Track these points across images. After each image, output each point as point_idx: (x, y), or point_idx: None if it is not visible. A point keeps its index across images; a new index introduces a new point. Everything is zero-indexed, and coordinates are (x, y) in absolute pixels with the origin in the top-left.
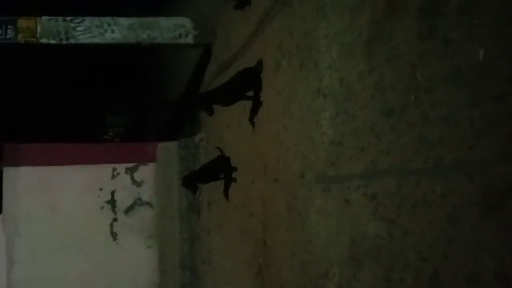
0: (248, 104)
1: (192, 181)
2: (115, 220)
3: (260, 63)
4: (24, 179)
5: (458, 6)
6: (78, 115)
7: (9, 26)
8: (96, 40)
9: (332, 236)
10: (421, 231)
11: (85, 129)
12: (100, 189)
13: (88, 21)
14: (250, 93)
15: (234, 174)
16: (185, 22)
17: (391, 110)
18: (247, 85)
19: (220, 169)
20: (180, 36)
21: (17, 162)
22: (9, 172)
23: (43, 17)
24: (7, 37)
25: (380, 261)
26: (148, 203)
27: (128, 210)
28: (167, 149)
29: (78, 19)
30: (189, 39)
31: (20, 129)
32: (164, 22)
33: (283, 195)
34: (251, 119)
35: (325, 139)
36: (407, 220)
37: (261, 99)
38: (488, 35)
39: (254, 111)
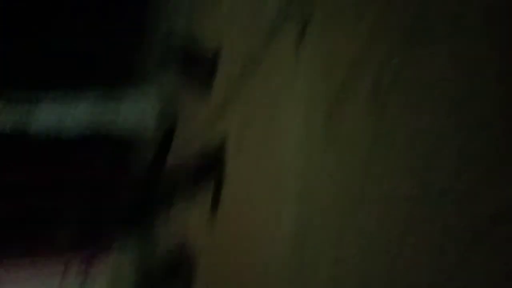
0: (211, 187)
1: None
2: None
3: (223, 141)
4: None
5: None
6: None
7: None
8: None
9: None
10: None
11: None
12: None
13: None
14: (214, 174)
15: (195, 265)
16: (148, 103)
17: (353, 184)
18: (210, 165)
19: (180, 263)
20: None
21: None
22: None
23: None
24: None
25: None
26: None
27: None
28: (119, 258)
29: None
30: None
31: None
32: (126, 106)
33: (252, 284)
34: (213, 203)
35: (289, 226)
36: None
37: (224, 181)
38: None
39: (216, 195)
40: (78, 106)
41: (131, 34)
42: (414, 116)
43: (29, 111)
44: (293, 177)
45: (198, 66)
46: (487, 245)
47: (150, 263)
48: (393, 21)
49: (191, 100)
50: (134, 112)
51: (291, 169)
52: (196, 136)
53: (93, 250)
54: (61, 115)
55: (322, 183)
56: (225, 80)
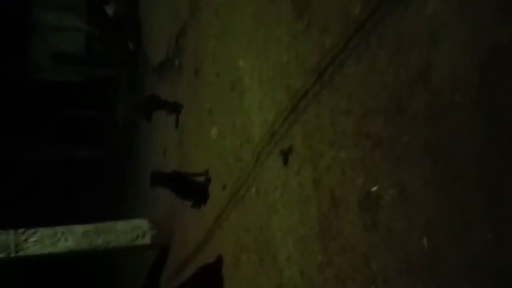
0: None
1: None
2: None
3: (219, 258)
4: None
5: (392, 199)
6: None
7: None
8: (47, 251)
9: None
10: None
11: None
12: None
13: (41, 231)
14: None
15: None
16: (142, 223)
17: None
18: (208, 283)
19: None
20: (137, 237)
21: None
22: None
23: None
24: None
25: None
26: None
27: None
28: None
29: (31, 231)
30: (146, 240)
31: None
32: (121, 225)
33: None
34: None
35: None
36: None
37: None
38: (427, 224)
39: None
40: (72, 228)
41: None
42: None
43: (24, 235)
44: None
45: (192, 191)
46: None
47: None
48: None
49: (186, 218)
50: (129, 229)
51: (289, 286)
52: (193, 252)
53: None
54: (55, 237)
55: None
56: (219, 197)
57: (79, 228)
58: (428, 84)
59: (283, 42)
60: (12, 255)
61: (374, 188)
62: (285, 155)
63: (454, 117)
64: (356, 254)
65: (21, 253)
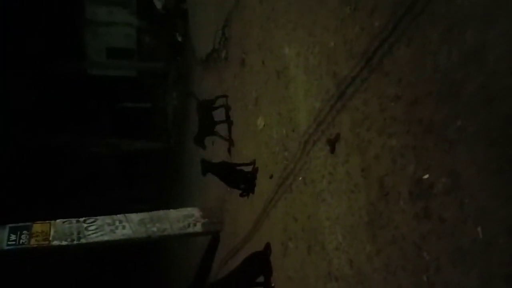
0: None
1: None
2: None
3: (268, 246)
4: None
5: (444, 187)
6: None
7: (24, 232)
8: (106, 238)
9: None
10: None
11: None
12: None
13: (101, 220)
14: (261, 279)
15: None
16: (194, 211)
17: None
18: (256, 269)
19: None
20: (189, 225)
21: None
22: None
23: (58, 220)
24: (20, 242)
25: None
26: None
27: None
28: None
29: (91, 219)
30: (198, 228)
31: None
32: (174, 214)
33: None
34: None
35: None
36: None
37: (273, 285)
38: (481, 213)
39: None
40: (129, 216)
41: None
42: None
43: (85, 223)
44: (342, 284)
45: (240, 181)
46: None
47: None
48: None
49: (235, 206)
50: (181, 217)
51: (339, 276)
52: (242, 241)
53: None
54: (113, 225)
55: (372, 285)
56: (266, 186)
57: (135, 217)
58: (484, 65)
59: (330, 27)
60: (75, 242)
61: (426, 176)
62: (332, 144)
63: (511, 99)
64: (407, 244)
65: (82, 240)
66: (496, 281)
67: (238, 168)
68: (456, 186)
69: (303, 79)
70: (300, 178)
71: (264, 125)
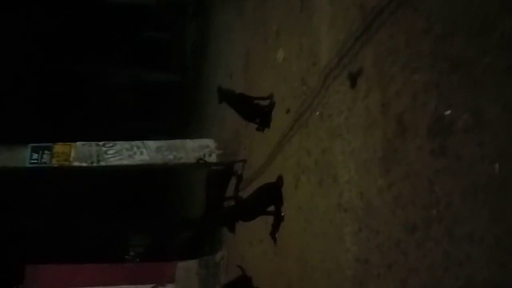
0: (270, 219)
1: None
2: None
3: (280, 178)
4: None
5: (465, 124)
6: (101, 236)
7: (46, 152)
8: (125, 162)
9: None
10: None
11: (107, 249)
12: None
13: (119, 144)
14: (271, 208)
15: None
16: (209, 143)
17: (415, 226)
18: (268, 200)
19: None
20: (204, 156)
21: (38, 284)
22: None
23: (78, 142)
24: (42, 161)
25: None
26: None
27: None
28: (187, 269)
29: (110, 143)
30: (213, 158)
31: (43, 250)
32: (190, 143)
33: None
34: (272, 234)
35: (349, 256)
36: None
37: (283, 214)
38: (500, 151)
39: (276, 226)
40: (147, 143)
41: None
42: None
43: (104, 147)
44: (351, 214)
45: (256, 114)
46: None
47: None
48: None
49: (250, 139)
50: (197, 147)
51: (348, 207)
52: (255, 173)
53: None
54: (131, 150)
55: (381, 218)
56: (282, 120)
57: (152, 144)
58: None
59: None
60: (95, 164)
61: (447, 113)
62: (354, 78)
63: None
64: (420, 179)
65: (102, 163)
66: (507, 218)
67: (255, 101)
68: (477, 124)
69: (328, 11)
70: (318, 113)
71: (283, 59)
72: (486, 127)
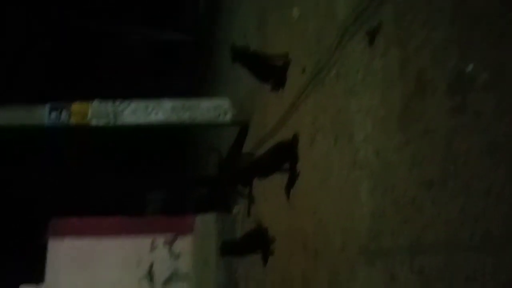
0: (285, 177)
1: (230, 249)
2: None
3: (295, 137)
4: (67, 252)
5: (486, 81)
6: (121, 192)
7: (64, 110)
8: (142, 121)
9: None
10: None
11: (127, 204)
12: (139, 261)
13: (135, 103)
14: (287, 166)
15: (271, 247)
16: (224, 102)
17: (431, 182)
18: (283, 157)
19: (258, 242)
20: (219, 115)
21: (62, 234)
22: (54, 245)
23: (95, 101)
24: (61, 120)
25: None
26: (186, 276)
27: (166, 283)
28: (205, 222)
29: (126, 102)
30: (227, 118)
31: (67, 203)
32: (204, 103)
33: (325, 269)
34: (287, 191)
35: (365, 211)
36: None
37: (298, 171)
38: None
39: (290, 183)
40: (162, 102)
41: None
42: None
43: (120, 106)
44: (366, 172)
45: (270, 74)
46: None
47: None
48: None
49: (265, 99)
50: (212, 107)
51: (364, 165)
52: (270, 131)
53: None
54: (147, 110)
55: (397, 174)
56: (297, 80)
57: (168, 103)
58: None
59: None
60: (112, 123)
61: (468, 70)
62: (372, 35)
63: None
64: (438, 136)
65: (118, 122)
66: None
67: (269, 61)
68: (498, 81)
69: None
70: (334, 72)
71: (299, 16)
72: (507, 85)
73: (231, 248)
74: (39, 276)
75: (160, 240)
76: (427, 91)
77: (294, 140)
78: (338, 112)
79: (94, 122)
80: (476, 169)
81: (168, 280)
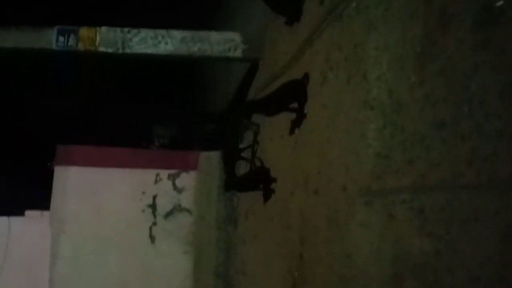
0: (292, 116)
1: (232, 185)
2: (154, 224)
3: (306, 75)
4: (73, 179)
5: None
6: (128, 123)
7: (71, 35)
8: (150, 51)
9: (373, 251)
10: (471, 249)
11: (133, 137)
12: (143, 193)
13: (144, 32)
14: (295, 105)
15: (273, 186)
16: (235, 36)
17: (443, 122)
18: (292, 96)
19: (259, 180)
20: (229, 50)
21: (68, 162)
22: (60, 172)
23: (103, 28)
24: (68, 45)
25: (425, 279)
26: (187, 210)
27: (168, 215)
28: (209, 159)
29: (135, 30)
30: (238, 53)
31: (74, 131)
32: (215, 36)
33: (323, 208)
34: (293, 130)
35: (370, 151)
36: (456, 237)
37: (305, 112)
38: None
39: (297, 123)
40: (171, 32)
41: None
42: None
43: (129, 34)
44: (377, 112)
45: (285, 6)
46: None
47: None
48: None
49: (277, 34)
50: (222, 40)
51: (375, 105)
52: (281, 69)
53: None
54: (156, 39)
55: (408, 115)
56: (314, 12)
57: (177, 34)
58: None
59: None
60: (120, 51)
61: (498, 3)
62: None
63: None
64: (456, 75)
65: (127, 50)
66: None
67: None
68: None
69: None
70: (354, 4)
71: None
72: None
73: (234, 184)
74: (44, 203)
75: (165, 174)
76: (450, 27)
77: (305, 78)
78: (354, 49)
79: (102, 49)
80: (491, 109)
81: (170, 213)
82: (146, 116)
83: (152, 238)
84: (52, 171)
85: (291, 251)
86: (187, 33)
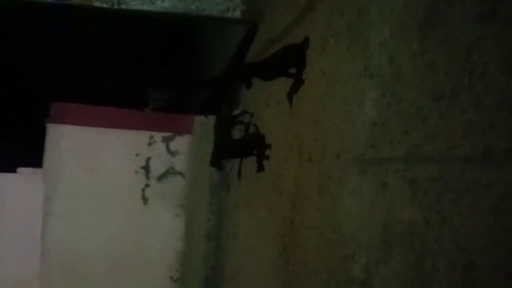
0: (289, 82)
1: (219, 160)
2: (147, 185)
3: (306, 40)
4: (67, 138)
5: None
6: (123, 83)
7: None
8: (146, 8)
9: (363, 218)
10: (460, 220)
11: (127, 98)
12: (136, 154)
13: None
14: (293, 71)
15: (267, 152)
16: None
17: (442, 94)
18: (290, 61)
19: (254, 146)
20: (228, 10)
21: (62, 120)
22: (54, 130)
23: None
24: None
25: (413, 247)
26: (181, 173)
27: (161, 177)
28: (204, 123)
29: None
30: (237, 14)
31: (68, 89)
32: None
33: (316, 175)
34: (290, 97)
35: (366, 120)
36: (446, 208)
37: (304, 78)
38: None
39: (294, 89)
40: None
41: None
42: None
43: None
44: (376, 80)
45: None
46: None
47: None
48: None
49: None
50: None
51: (375, 73)
52: (281, 33)
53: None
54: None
55: (407, 85)
56: None
57: None
58: None
59: None
60: (115, 6)
61: None
62: None
63: None
64: (458, 46)
65: (122, 6)
66: None
67: None
68: None
69: None
70: None
71: None
72: None
73: (221, 157)
74: (37, 161)
75: (159, 136)
76: None
77: (305, 43)
78: (357, 14)
79: (97, 4)
80: (491, 82)
81: (163, 176)
82: (142, 78)
83: (144, 199)
84: (45, 129)
85: (283, 217)
86: None
